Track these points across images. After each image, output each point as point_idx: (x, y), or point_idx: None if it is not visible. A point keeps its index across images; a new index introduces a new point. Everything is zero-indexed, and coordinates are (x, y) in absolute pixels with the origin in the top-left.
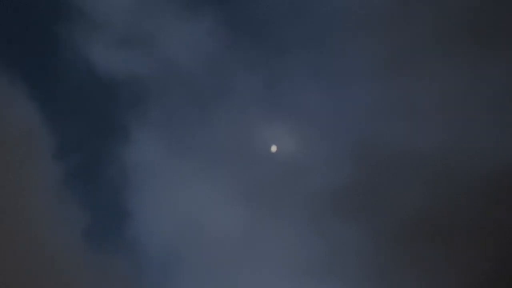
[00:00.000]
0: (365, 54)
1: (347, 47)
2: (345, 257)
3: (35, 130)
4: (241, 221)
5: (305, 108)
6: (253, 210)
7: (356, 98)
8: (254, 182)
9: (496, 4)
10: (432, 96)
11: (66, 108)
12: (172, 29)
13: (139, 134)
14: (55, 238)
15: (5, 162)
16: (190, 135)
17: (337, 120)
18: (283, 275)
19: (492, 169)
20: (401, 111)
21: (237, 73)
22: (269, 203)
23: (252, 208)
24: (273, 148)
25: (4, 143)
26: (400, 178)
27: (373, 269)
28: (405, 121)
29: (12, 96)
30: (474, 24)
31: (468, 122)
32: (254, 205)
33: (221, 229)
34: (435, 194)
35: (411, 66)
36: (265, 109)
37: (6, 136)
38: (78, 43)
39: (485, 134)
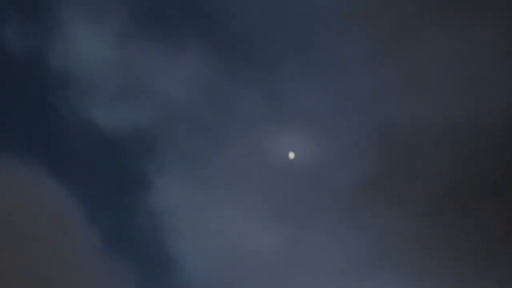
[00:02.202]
0: (356, 42)
1: (337, 39)
2: (391, 245)
3: (63, 204)
4: (280, 235)
5: (312, 110)
6: (289, 221)
7: (359, 87)
8: (281, 193)
9: None
10: (437, 67)
11: (85, 174)
12: (163, 70)
13: (159, 179)
14: None
15: (43, 241)
16: (208, 165)
17: (347, 113)
18: (334, 278)
19: None
20: (408, 89)
21: (236, 93)
22: (301, 210)
23: (287, 219)
24: (291, 155)
25: (37, 222)
26: (424, 153)
27: (422, 250)
28: (415, 96)
29: (33, 175)
30: None
31: (479, 85)
32: (288, 215)
33: (263, 248)
34: (464, 164)
35: (408, 42)
36: (273, 120)
37: (38, 215)
38: (78, 108)
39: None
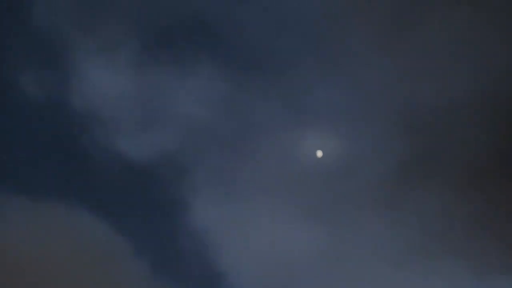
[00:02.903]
0: (363, 34)
1: (343, 34)
2: (432, 230)
3: (108, 238)
4: (320, 236)
5: (332, 106)
6: (326, 221)
7: (374, 77)
8: (315, 193)
9: None
10: (450, 45)
11: (124, 206)
12: (180, 92)
13: (195, 199)
14: None
15: (95, 277)
16: (240, 178)
17: (367, 105)
18: (381, 272)
19: None
20: (424, 70)
21: (255, 104)
22: (337, 208)
23: (324, 219)
24: (319, 154)
25: (87, 259)
26: (451, 132)
27: (465, 231)
28: (430, 75)
29: (76, 215)
30: None
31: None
32: (325, 215)
33: (306, 250)
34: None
35: (416, 23)
36: (295, 123)
37: (87, 253)
38: (105, 144)
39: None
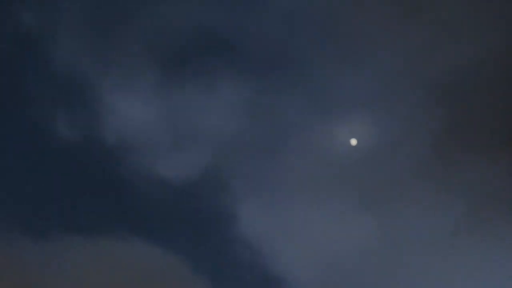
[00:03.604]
0: (373, 16)
1: (355, 20)
2: (486, 201)
3: (168, 262)
4: (370, 224)
5: (359, 92)
6: (376, 206)
7: (393, 54)
8: (359, 181)
9: None
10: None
11: (175, 228)
12: (206, 107)
13: (241, 209)
14: None
15: None
16: (280, 180)
17: (392, 84)
18: (440, 251)
19: None
20: (449, 37)
21: (280, 104)
22: (384, 192)
23: (374, 205)
24: (353, 142)
25: (148, 284)
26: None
27: None
28: (449, 41)
29: (130, 242)
30: None
31: None
32: (373, 201)
33: (358, 240)
34: None
35: None
36: (324, 115)
37: (147, 278)
38: (145, 171)
39: None
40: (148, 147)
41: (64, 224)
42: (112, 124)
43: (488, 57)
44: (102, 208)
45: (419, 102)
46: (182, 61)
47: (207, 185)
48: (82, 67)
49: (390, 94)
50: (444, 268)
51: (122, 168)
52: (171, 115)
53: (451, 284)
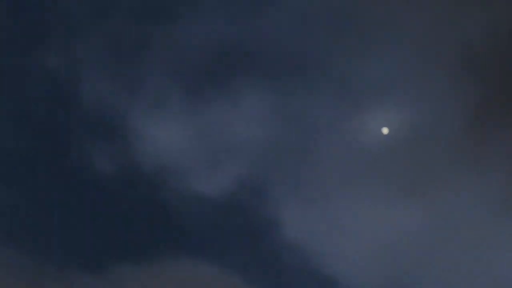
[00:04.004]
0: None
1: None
2: None
3: (216, 276)
4: (419, 210)
5: (382, 80)
6: (417, 193)
7: (414, 34)
8: (396, 170)
9: None
10: None
11: (220, 244)
12: (234, 119)
13: (284, 214)
14: None
15: None
16: (318, 179)
17: (417, 66)
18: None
19: None
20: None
21: (308, 104)
22: (423, 177)
23: (415, 192)
24: (385, 130)
25: None
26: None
27: None
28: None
29: (179, 262)
30: None
31: None
32: (414, 188)
33: (410, 233)
34: None
35: None
36: (352, 108)
37: None
38: (184, 191)
39: None
40: (184, 167)
41: (117, 254)
42: (146, 150)
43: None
44: (150, 234)
45: (449, 81)
46: (204, 77)
47: (247, 195)
48: (111, 100)
49: (417, 77)
50: (493, 247)
51: (163, 192)
52: (202, 132)
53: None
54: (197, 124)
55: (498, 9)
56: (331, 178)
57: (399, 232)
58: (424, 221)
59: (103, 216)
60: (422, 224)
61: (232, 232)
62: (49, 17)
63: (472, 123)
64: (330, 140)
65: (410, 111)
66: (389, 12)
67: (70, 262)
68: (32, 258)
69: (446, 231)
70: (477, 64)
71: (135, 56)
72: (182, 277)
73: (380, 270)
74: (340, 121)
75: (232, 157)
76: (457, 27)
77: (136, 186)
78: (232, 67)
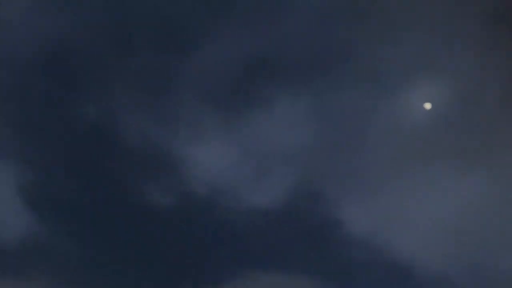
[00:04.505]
0: None
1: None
2: None
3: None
4: (476, 184)
5: (414, 55)
6: (473, 165)
7: None
8: (447, 144)
9: None
10: None
11: (293, 255)
12: (272, 127)
13: (344, 212)
14: None
15: None
16: (370, 168)
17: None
18: None
19: None
20: None
21: (342, 96)
22: (479, 149)
23: (472, 160)
24: (427, 106)
25: None
26: None
27: None
28: None
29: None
30: None
31: None
32: (471, 157)
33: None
34: None
35: None
36: (389, 89)
37: None
38: (240, 208)
39: None
40: (235, 185)
41: (191, 282)
42: (196, 176)
43: None
44: (216, 257)
45: (486, 46)
46: (235, 93)
47: (303, 200)
48: (152, 135)
49: (453, 47)
50: None
51: (221, 213)
52: (244, 147)
53: None
54: (238, 139)
55: None
56: (384, 166)
57: (467, 205)
58: (491, 188)
59: (169, 248)
60: (489, 192)
61: (297, 239)
62: (80, 71)
63: None
64: (374, 128)
65: (449, 82)
66: None
67: None
68: None
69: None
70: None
71: (165, 87)
72: None
73: (454, 250)
74: (380, 108)
75: (280, 165)
76: None
77: (193, 213)
78: (260, 78)
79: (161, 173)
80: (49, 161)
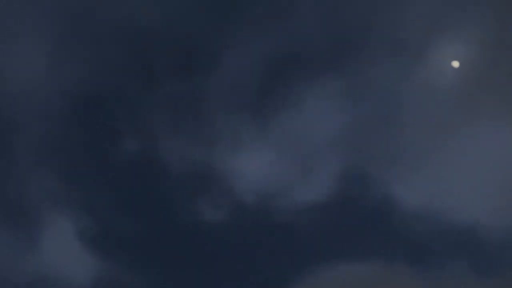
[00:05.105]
0: None
1: None
2: None
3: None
4: None
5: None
6: None
7: None
8: (484, 96)
9: None
10: None
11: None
12: (314, 128)
13: (399, 190)
14: None
15: None
16: (409, 140)
17: None
18: None
19: None
20: None
21: (382, 81)
22: None
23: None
24: (455, 64)
25: None
26: None
27: None
28: None
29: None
30: None
31: None
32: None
33: None
34: None
35: None
36: (419, 49)
37: None
38: (290, 207)
39: None
40: (283, 185)
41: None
42: (242, 186)
43: None
44: (279, 259)
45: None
46: (263, 94)
47: (353, 186)
48: (193, 155)
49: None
50: None
51: (273, 216)
52: (284, 147)
53: None
54: (276, 141)
55: None
56: (426, 132)
57: None
58: None
59: (233, 260)
60: None
61: (355, 225)
62: (114, 111)
63: None
64: (408, 97)
65: (473, 40)
66: None
67: None
68: None
69: None
70: None
71: (196, 107)
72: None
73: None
74: (410, 75)
75: (322, 156)
76: None
77: (248, 221)
78: (285, 76)
79: (210, 191)
80: (102, 202)
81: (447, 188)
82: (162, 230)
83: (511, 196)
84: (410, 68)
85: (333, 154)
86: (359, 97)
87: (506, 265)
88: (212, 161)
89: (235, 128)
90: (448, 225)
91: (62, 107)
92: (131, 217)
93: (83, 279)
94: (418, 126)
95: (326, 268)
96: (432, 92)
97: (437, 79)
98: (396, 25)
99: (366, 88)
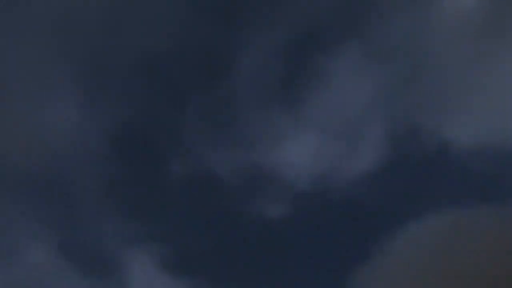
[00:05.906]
0: None
1: None
2: None
3: None
4: None
5: None
6: None
7: None
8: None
9: None
10: None
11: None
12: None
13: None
14: None
15: None
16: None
17: None
18: None
19: None
20: None
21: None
22: None
23: None
24: None
25: None
26: None
27: None
28: None
29: None
30: None
31: None
32: None
33: None
34: None
35: None
36: None
37: None
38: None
39: None
40: (333, 165)
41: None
42: (293, 177)
43: None
44: (349, 238)
45: None
46: (290, 79)
47: (405, 144)
48: (236, 161)
49: None
50: None
51: (331, 198)
52: (323, 126)
53: None
54: (314, 122)
55: None
56: (463, 71)
57: None
58: None
59: (309, 249)
60: None
61: (420, 179)
62: (151, 141)
63: None
64: (434, 42)
65: None
66: None
67: None
68: None
69: None
70: None
71: (226, 111)
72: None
73: None
74: (429, 20)
75: (365, 123)
76: None
77: (308, 207)
78: (307, 52)
79: (265, 189)
80: (172, 228)
81: (498, 119)
82: (232, 240)
83: None
84: (428, 12)
85: (374, 118)
86: (385, 56)
87: None
88: (258, 160)
89: (271, 122)
90: (503, 149)
91: (104, 147)
92: (202, 236)
93: None
94: (452, 65)
95: (407, 228)
96: (457, 29)
97: (458, 14)
98: None
99: (390, 45)
